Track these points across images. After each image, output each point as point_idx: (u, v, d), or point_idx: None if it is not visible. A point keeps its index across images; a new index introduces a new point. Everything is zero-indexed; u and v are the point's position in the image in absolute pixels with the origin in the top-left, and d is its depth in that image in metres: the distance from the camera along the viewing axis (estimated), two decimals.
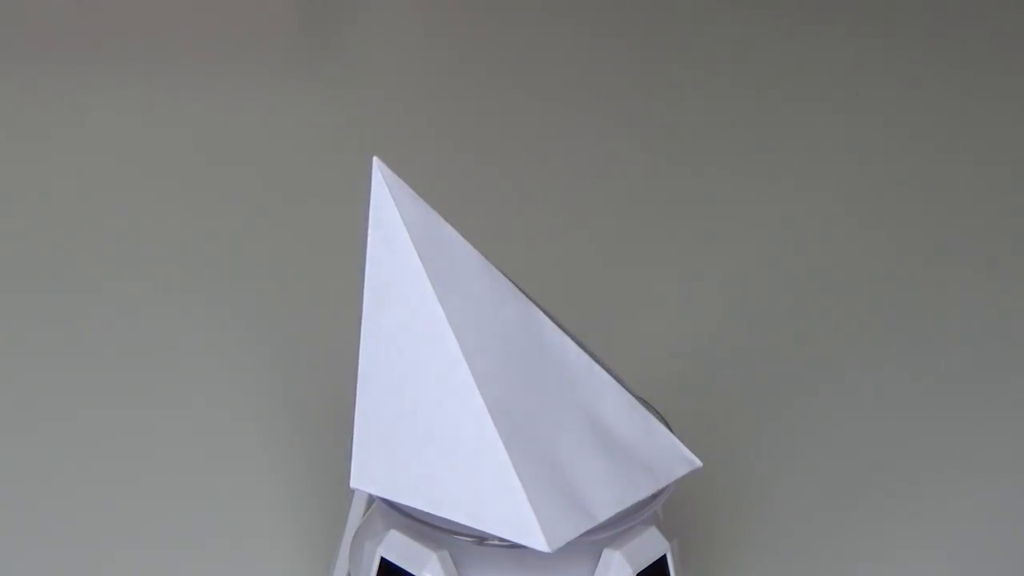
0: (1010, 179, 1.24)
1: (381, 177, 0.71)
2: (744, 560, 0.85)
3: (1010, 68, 1.41)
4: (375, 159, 0.71)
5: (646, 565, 0.73)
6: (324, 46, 1.42)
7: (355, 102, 1.32)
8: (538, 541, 0.68)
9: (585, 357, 0.73)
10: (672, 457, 0.73)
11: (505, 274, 0.74)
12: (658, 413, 0.77)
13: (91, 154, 1.24)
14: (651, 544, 0.73)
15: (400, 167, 1.22)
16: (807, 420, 0.96)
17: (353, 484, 0.72)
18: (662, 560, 0.73)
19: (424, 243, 0.71)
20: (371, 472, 0.72)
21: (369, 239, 0.71)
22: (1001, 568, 0.85)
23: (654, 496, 0.73)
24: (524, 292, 0.75)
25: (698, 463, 0.73)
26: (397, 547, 0.72)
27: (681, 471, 0.73)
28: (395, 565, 0.72)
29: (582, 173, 1.23)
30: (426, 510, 0.70)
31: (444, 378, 0.70)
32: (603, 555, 0.72)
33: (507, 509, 0.69)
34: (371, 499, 0.81)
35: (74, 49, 1.40)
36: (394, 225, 0.71)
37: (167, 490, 0.89)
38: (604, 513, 0.70)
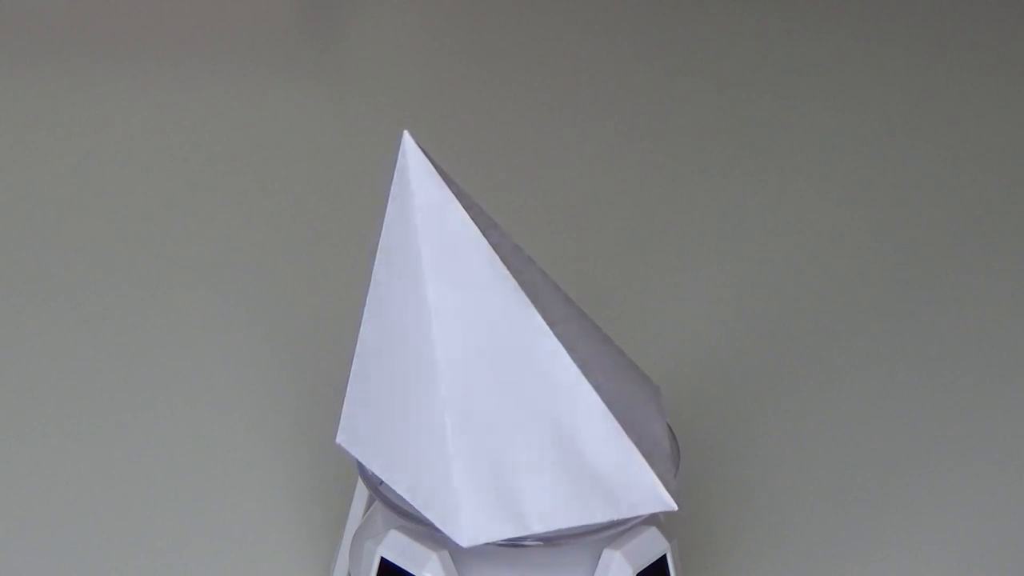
0: (1012, 178, 1.24)
1: (406, 152, 0.71)
2: (744, 560, 0.85)
3: (1011, 68, 1.41)
4: (405, 133, 0.71)
5: (646, 565, 0.73)
6: (324, 45, 1.42)
7: (354, 100, 1.32)
8: (456, 532, 0.69)
9: (574, 372, 0.71)
10: (644, 493, 0.72)
11: (528, 275, 0.73)
12: (675, 443, 0.76)
13: (92, 153, 1.24)
14: (651, 544, 0.73)
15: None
16: (808, 421, 0.96)
17: (337, 440, 0.75)
18: (662, 560, 0.73)
19: (430, 224, 0.71)
20: (353, 433, 0.74)
21: (387, 210, 0.72)
22: (1003, 566, 0.85)
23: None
24: (549, 297, 0.74)
25: (672, 507, 0.71)
26: (397, 547, 0.72)
27: (649, 509, 0.71)
28: (395, 565, 0.72)
29: (584, 173, 1.23)
30: (379, 475, 0.72)
31: (417, 357, 0.71)
32: (603, 555, 0.72)
33: (439, 494, 0.70)
34: (371, 499, 0.81)
35: (75, 48, 1.40)
36: (407, 201, 0.71)
37: (167, 490, 0.89)
38: (540, 526, 0.70)
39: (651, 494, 0.71)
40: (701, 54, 1.42)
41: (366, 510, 0.80)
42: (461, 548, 0.73)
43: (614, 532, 0.72)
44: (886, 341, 1.04)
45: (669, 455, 0.74)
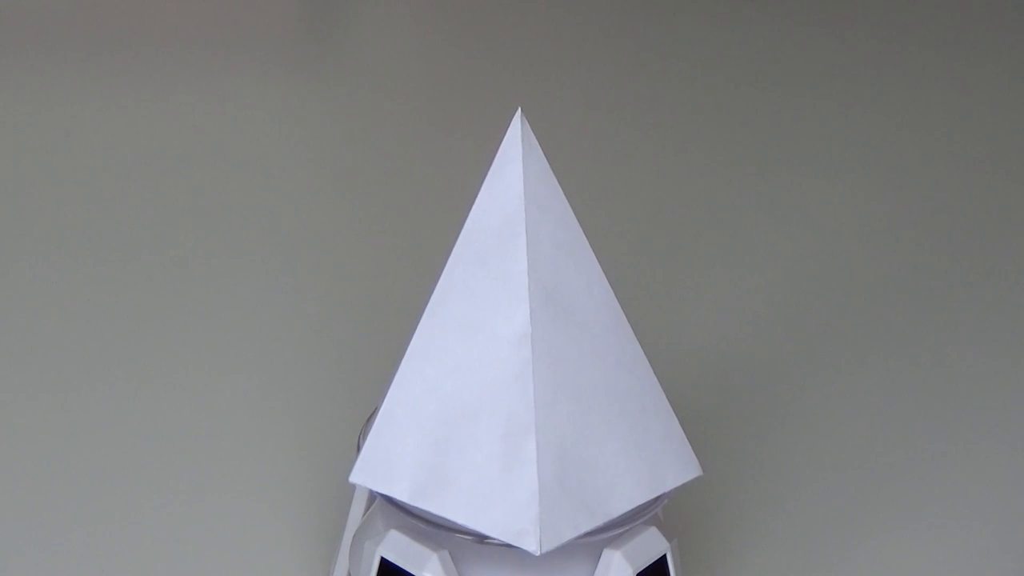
0: (1017, 178, 1.24)
1: (509, 130, 0.72)
2: (743, 560, 0.85)
3: (1014, 67, 1.41)
4: (518, 110, 0.72)
5: (646, 565, 0.73)
6: (324, 45, 1.42)
7: (355, 100, 1.32)
8: (352, 479, 0.73)
9: (529, 386, 0.70)
10: (519, 523, 0.70)
11: (563, 282, 0.73)
12: (644, 511, 0.74)
13: (91, 152, 1.24)
14: (651, 544, 0.73)
15: (399, 166, 1.22)
16: (808, 420, 0.96)
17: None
18: (662, 560, 0.73)
19: (487, 201, 0.72)
20: None
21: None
22: (1004, 564, 0.85)
23: (655, 499, 0.73)
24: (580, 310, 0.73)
25: (535, 551, 0.70)
26: (397, 547, 0.72)
27: (508, 539, 0.70)
28: (395, 565, 0.72)
29: (585, 173, 1.23)
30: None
31: (421, 319, 0.73)
32: (603, 555, 0.72)
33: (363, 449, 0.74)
34: (371, 499, 0.81)
35: (75, 48, 1.40)
36: (487, 175, 0.72)
37: (167, 489, 0.89)
38: (418, 501, 0.71)
39: (521, 527, 0.70)
40: (705, 54, 1.42)
41: (366, 510, 0.80)
42: (461, 547, 0.73)
43: (614, 532, 0.72)
44: (889, 341, 1.04)
45: (606, 514, 0.71)
